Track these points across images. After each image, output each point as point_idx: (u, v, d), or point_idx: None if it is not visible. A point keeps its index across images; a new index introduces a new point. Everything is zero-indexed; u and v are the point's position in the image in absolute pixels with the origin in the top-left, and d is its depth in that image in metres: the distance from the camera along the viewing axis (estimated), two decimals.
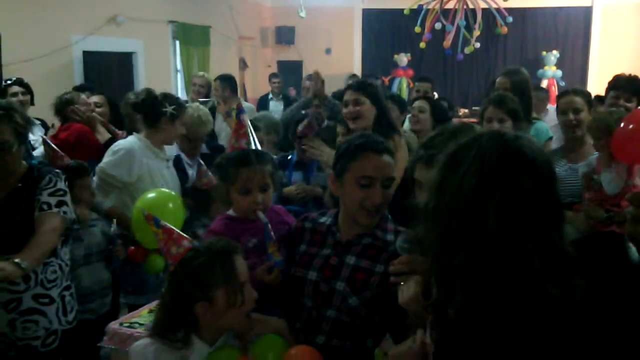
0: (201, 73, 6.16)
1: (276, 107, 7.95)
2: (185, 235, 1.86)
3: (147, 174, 3.36)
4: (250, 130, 2.22)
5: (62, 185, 2.46)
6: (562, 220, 1.23)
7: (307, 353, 1.78)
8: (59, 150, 3.25)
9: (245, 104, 5.58)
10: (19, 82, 4.69)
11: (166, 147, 3.61)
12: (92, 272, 3.05)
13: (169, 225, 1.85)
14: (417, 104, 4.37)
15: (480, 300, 1.16)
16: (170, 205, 2.85)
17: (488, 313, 1.16)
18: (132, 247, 3.03)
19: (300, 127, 3.39)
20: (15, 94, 4.52)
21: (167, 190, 3.07)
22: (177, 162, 3.73)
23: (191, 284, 1.74)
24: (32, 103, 4.72)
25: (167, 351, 1.74)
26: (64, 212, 2.42)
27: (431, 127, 4.08)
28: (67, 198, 2.47)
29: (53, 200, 2.39)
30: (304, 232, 2.10)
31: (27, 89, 4.68)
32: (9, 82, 4.71)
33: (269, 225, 2.05)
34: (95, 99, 4.61)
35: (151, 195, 2.89)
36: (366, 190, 1.90)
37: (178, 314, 1.76)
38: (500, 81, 4.04)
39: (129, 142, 3.45)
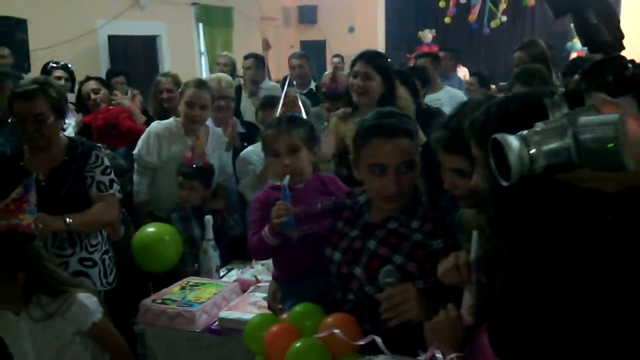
0: (224, 52, 6.22)
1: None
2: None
3: (172, 160, 3.35)
4: (295, 100, 2.19)
5: (107, 161, 2.65)
6: None
7: (345, 319, 1.77)
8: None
9: (270, 84, 5.56)
10: (64, 67, 4.74)
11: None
12: None
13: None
14: None
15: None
16: (167, 237, 2.96)
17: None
18: None
19: (326, 82, 3.45)
20: (59, 78, 4.57)
21: (163, 225, 3.09)
22: None
23: None
24: (72, 90, 4.78)
25: None
26: (118, 191, 2.67)
27: None
28: (113, 173, 2.66)
29: (106, 179, 2.60)
30: (345, 208, 2.03)
31: (71, 76, 4.71)
32: (54, 65, 4.75)
33: (287, 190, 2.01)
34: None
35: (150, 229, 2.99)
36: (379, 179, 1.78)
37: None
38: (517, 56, 3.94)
39: (161, 125, 3.47)
